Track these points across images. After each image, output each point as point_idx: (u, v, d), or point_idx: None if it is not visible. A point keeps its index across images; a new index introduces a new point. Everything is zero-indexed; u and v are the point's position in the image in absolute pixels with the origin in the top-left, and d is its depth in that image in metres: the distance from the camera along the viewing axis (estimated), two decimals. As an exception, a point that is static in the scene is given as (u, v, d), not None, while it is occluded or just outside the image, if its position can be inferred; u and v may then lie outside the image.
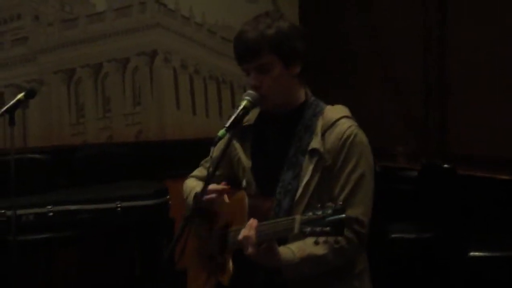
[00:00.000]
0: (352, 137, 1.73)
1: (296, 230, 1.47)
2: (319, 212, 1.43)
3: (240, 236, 1.59)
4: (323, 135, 1.74)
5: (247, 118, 1.75)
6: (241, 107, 1.67)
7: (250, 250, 1.57)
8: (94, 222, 3.46)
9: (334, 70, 4.78)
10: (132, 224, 3.58)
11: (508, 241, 3.14)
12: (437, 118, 4.10)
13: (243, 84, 4.68)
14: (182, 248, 1.73)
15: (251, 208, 1.71)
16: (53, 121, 4.27)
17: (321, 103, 1.83)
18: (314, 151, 1.73)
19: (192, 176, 2.08)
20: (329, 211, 1.41)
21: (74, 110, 4.35)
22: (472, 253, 3.04)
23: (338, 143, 1.72)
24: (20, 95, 2.55)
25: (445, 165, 3.53)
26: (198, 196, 1.66)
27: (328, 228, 1.41)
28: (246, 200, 1.73)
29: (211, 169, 1.66)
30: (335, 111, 1.80)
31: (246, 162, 1.87)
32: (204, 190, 1.64)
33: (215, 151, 1.81)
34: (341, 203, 1.44)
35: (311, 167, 1.73)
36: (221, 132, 1.61)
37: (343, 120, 1.76)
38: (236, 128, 1.64)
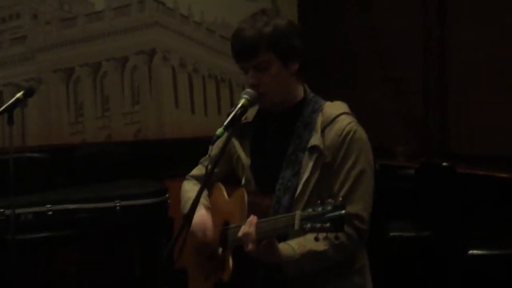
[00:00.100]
0: (351, 133, 1.73)
1: (296, 227, 1.47)
2: (319, 208, 1.43)
3: (240, 233, 1.60)
4: (322, 131, 1.75)
5: (245, 115, 1.75)
6: (239, 105, 1.67)
7: (250, 246, 1.57)
8: (93, 221, 3.46)
9: (334, 70, 4.78)
10: (131, 223, 3.57)
11: (507, 239, 3.14)
12: (437, 117, 4.10)
13: (241, 83, 4.68)
14: (181, 247, 1.73)
15: (251, 205, 1.72)
16: (52, 120, 4.26)
17: (320, 100, 1.83)
18: (314, 148, 1.73)
19: (191, 176, 2.08)
20: (329, 207, 1.42)
21: (73, 109, 4.35)
22: (471, 251, 3.04)
23: (338, 140, 1.73)
24: (18, 94, 2.54)
25: (444, 163, 3.53)
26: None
27: (328, 224, 1.41)
28: (246, 197, 1.73)
29: (210, 167, 1.66)
30: (334, 108, 1.80)
31: (245, 159, 1.87)
32: (202, 190, 1.63)
33: (214, 149, 1.81)
34: (341, 199, 1.44)
35: (311, 164, 1.73)
36: (220, 130, 1.61)
37: (342, 117, 1.76)
38: (235, 127, 1.64)
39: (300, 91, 1.83)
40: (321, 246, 1.64)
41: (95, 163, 4.10)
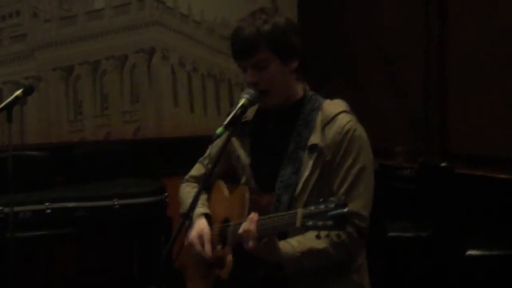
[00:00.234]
0: (351, 131, 1.73)
1: (298, 224, 1.47)
2: (321, 206, 1.43)
3: (241, 230, 1.60)
4: (322, 130, 1.75)
5: (245, 114, 1.75)
6: (239, 105, 1.67)
7: (250, 244, 1.57)
8: (91, 219, 3.46)
9: (334, 70, 4.78)
10: (130, 222, 3.57)
11: (506, 240, 3.14)
12: (437, 118, 4.10)
13: (241, 82, 4.68)
14: (180, 246, 1.73)
15: (251, 203, 1.72)
16: (51, 118, 4.26)
17: (319, 98, 1.83)
18: (314, 147, 1.74)
19: (190, 177, 2.08)
20: (332, 205, 1.41)
21: (72, 107, 4.34)
22: (469, 252, 3.05)
23: (338, 138, 1.73)
24: (18, 92, 2.54)
25: (443, 164, 3.53)
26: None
27: (330, 222, 1.41)
28: (247, 195, 1.73)
29: (210, 166, 1.66)
30: (334, 106, 1.80)
31: (245, 158, 1.87)
32: (201, 190, 1.63)
33: (213, 148, 1.81)
34: (343, 198, 1.44)
35: (311, 162, 1.73)
36: (219, 130, 1.61)
37: (342, 115, 1.76)
38: (235, 126, 1.64)
39: (299, 89, 1.83)
40: (321, 244, 1.64)
41: (94, 162, 4.10)
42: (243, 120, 1.83)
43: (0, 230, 3.05)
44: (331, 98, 1.85)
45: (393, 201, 3.60)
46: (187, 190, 2.03)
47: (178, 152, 4.20)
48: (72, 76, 4.34)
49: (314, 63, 3.82)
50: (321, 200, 1.45)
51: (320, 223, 1.42)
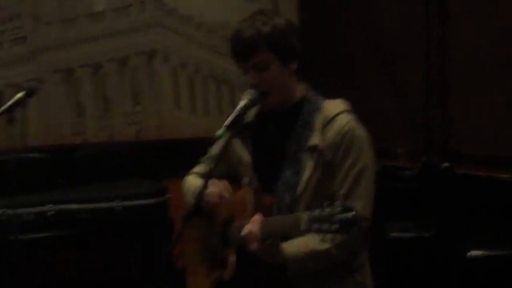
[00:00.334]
0: (351, 131, 1.74)
1: (303, 227, 1.47)
2: (327, 210, 1.43)
3: (245, 231, 1.60)
4: (322, 130, 1.75)
5: (246, 115, 1.75)
6: (241, 106, 1.68)
7: (254, 245, 1.57)
8: (93, 221, 3.46)
9: (334, 71, 4.78)
10: (131, 223, 3.57)
11: (507, 240, 3.14)
12: (438, 118, 4.10)
13: (242, 83, 4.67)
14: (181, 247, 1.73)
15: (254, 204, 1.72)
16: (53, 120, 4.27)
17: (320, 98, 1.84)
18: (314, 147, 1.74)
19: (193, 173, 2.08)
20: (338, 209, 1.41)
21: (74, 110, 4.35)
22: (471, 252, 3.04)
23: (338, 138, 1.73)
24: (19, 95, 2.54)
25: (445, 164, 3.53)
26: (198, 195, 1.66)
27: (336, 226, 1.40)
28: (250, 195, 1.73)
29: (211, 165, 1.66)
30: (334, 106, 1.80)
31: (246, 159, 1.87)
32: (204, 189, 1.64)
33: (215, 148, 1.81)
34: (344, 198, 1.44)
35: (311, 163, 1.73)
36: (220, 131, 1.61)
37: (342, 115, 1.77)
38: (236, 127, 1.65)
39: (299, 90, 1.84)
40: (323, 245, 1.64)
41: (96, 164, 4.11)
42: (244, 121, 1.84)
43: (2, 232, 3.06)
44: (332, 98, 1.86)
45: (394, 202, 3.60)
46: (192, 182, 2.02)
47: (180, 154, 4.19)
48: (73, 78, 4.34)
49: (314, 63, 3.83)
50: (326, 203, 1.45)
51: (325, 226, 1.42)
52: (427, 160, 3.82)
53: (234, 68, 1.85)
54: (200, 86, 4.71)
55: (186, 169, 2.14)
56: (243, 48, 1.73)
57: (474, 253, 3.05)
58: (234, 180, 1.89)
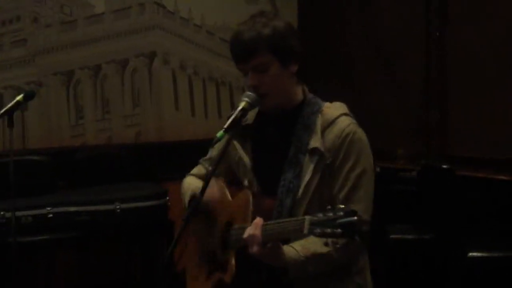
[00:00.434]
0: (351, 135, 1.73)
1: (305, 231, 1.46)
2: (330, 214, 1.43)
3: (246, 235, 1.59)
4: (322, 133, 1.75)
5: (246, 117, 1.75)
6: (240, 108, 1.67)
7: (255, 249, 1.57)
8: (93, 223, 3.46)
9: (334, 71, 4.78)
10: (131, 226, 3.57)
11: (508, 242, 3.14)
12: (437, 119, 4.10)
13: (242, 85, 4.68)
14: (181, 250, 1.73)
15: (254, 207, 1.71)
16: (52, 123, 4.26)
17: (319, 101, 1.83)
18: (315, 150, 1.74)
19: (191, 174, 2.08)
20: (341, 213, 1.41)
21: (73, 112, 4.35)
22: (471, 254, 3.04)
23: (338, 141, 1.73)
24: (19, 97, 2.54)
25: (444, 166, 3.53)
26: (197, 197, 1.66)
27: (339, 230, 1.40)
28: (251, 198, 1.73)
29: (211, 168, 1.66)
30: (334, 109, 1.80)
31: (246, 161, 1.87)
32: (203, 190, 1.64)
33: (214, 151, 1.80)
34: (343, 201, 1.43)
35: (311, 166, 1.73)
36: (220, 133, 1.61)
37: (342, 118, 1.76)
38: (235, 129, 1.65)
39: (299, 92, 1.83)
40: (324, 248, 1.64)
41: (96, 166, 4.10)
42: (243, 123, 1.83)
43: (2, 235, 3.05)
44: (331, 101, 1.85)
45: (394, 204, 3.60)
46: (190, 179, 2.02)
47: (179, 156, 4.19)
48: (73, 80, 4.34)
49: (314, 63, 3.83)
50: (329, 207, 1.45)
51: (328, 230, 1.41)
52: (427, 162, 3.82)
53: (233, 70, 1.84)
54: (199, 88, 4.71)
55: (185, 171, 2.13)
56: (243, 50, 1.73)
57: (474, 254, 3.05)
58: (234, 182, 1.89)
